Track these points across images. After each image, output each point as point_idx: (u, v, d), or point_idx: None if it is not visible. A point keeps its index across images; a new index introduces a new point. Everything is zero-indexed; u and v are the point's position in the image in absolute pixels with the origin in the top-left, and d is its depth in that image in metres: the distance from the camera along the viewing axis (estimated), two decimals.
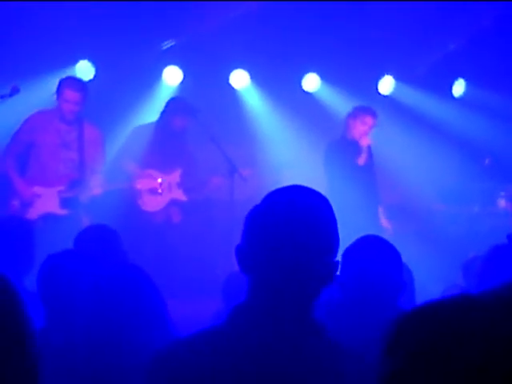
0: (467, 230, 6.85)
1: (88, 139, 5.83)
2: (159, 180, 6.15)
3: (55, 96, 5.75)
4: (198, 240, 6.60)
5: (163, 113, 6.35)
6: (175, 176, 6.33)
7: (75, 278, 2.77)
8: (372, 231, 5.41)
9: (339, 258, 1.71)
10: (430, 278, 4.17)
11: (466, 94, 7.84)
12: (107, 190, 5.91)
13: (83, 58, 6.98)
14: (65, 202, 5.75)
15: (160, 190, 6.16)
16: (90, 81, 7.01)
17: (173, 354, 1.64)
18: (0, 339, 1.13)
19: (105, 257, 3.53)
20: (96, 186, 5.82)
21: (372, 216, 6.15)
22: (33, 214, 5.66)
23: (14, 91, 5.43)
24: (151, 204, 6.24)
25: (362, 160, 6.21)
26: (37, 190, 5.71)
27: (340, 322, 1.97)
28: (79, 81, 5.89)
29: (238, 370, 1.56)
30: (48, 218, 5.67)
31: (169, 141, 6.32)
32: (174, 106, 6.35)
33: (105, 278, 2.56)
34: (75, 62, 6.97)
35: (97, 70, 7.03)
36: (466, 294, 0.93)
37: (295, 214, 1.61)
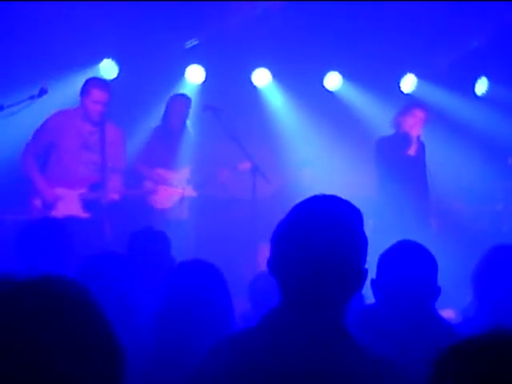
0: (490, 228, 6.81)
1: (110, 140, 5.79)
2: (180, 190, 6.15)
3: (80, 96, 5.71)
4: (222, 239, 6.63)
5: (167, 109, 6.37)
6: (185, 173, 6.36)
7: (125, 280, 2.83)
8: (420, 230, 5.48)
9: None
10: (453, 277, 4.16)
11: (488, 92, 7.79)
12: (125, 194, 5.91)
13: (107, 56, 7.04)
14: (87, 205, 5.70)
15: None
16: (114, 79, 7.08)
17: (215, 354, 1.71)
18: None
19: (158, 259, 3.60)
20: (115, 187, 5.79)
21: (422, 213, 6.17)
22: (56, 215, 5.61)
23: (43, 92, 5.46)
24: (162, 202, 6.26)
25: (412, 150, 6.24)
26: (58, 191, 5.66)
27: (376, 327, 1.99)
28: (106, 81, 5.89)
29: (270, 371, 1.60)
30: (71, 220, 5.67)
31: (174, 138, 6.33)
32: (177, 99, 6.38)
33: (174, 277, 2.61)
34: (99, 60, 7.02)
35: (120, 69, 7.08)
36: (502, 330, 0.95)
37: (321, 224, 1.65)
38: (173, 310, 2.52)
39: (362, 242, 1.68)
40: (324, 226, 1.65)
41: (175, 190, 6.23)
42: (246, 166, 6.27)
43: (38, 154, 5.74)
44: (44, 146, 5.72)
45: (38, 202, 5.66)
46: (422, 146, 6.39)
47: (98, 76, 6.18)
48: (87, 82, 5.73)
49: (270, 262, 1.71)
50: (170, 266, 3.34)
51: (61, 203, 5.66)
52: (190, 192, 6.34)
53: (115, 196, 5.79)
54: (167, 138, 6.32)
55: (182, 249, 5.46)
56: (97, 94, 5.65)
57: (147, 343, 2.52)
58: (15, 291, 1.09)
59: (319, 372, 1.59)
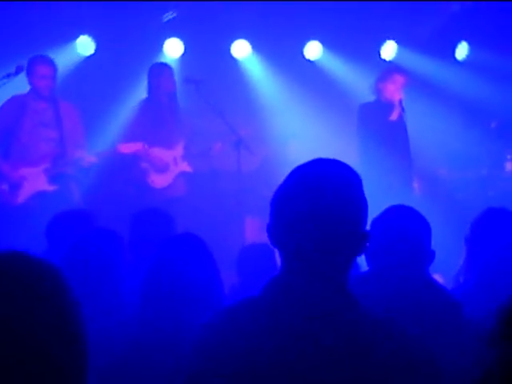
0: (475, 193, 6.84)
1: (65, 116, 5.86)
2: (141, 144, 6.06)
3: (26, 76, 5.73)
4: (206, 213, 6.61)
5: (149, 83, 6.27)
6: (179, 149, 6.31)
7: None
8: (405, 194, 5.49)
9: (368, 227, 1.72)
10: (440, 242, 4.17)
11: (469, 56, 7.77)
12: (99, 157, 5.91)
13: (83, 33, 6.94)
14: (52, 179, 5.77)
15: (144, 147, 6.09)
16: (91, 56, 6.98)
17: (215, 327, 1.66)
18: (54, 334, 1.13)
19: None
20: (84, 157, 5.82)
21: (405, 177, 6.20)
22: (23, 195, 5.69)
23: (19, 70, 5.53)
24: (159, 181, 6.24)
25: (395, 115, 6.24)
26: (22, 171, 5.72)
27: (371, 294, 1.97)
28: (48, 57, 5.88)
29: (278, 343, 1.58)
30: (39, 196, 5.70)
31: (162, 111, 6.26)
32: (156, 69, 6.28)
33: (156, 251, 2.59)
34: (76, 37, 6.93)
35: (97, 45, 6.99)
36: None
37: (322, 187, 1.62)
38: (158, 285, 2.50)
39: (363, 204, 1.67)
40: (325, 188, 1.62)
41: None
42: (218, 146, 6.28)
43: None
44: (2, 133, 5.77)
45: (5, 187, 5.72)
46: (402, 111, 6.38)
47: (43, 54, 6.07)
48: (30, 60, 5.77)
49: (271, 228, 1.66)
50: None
51: (26, 182, 5.72)
52: (185, 167, 6.31)
53: (92, 159, 5.82)
54: (155, 112, 6.25)
55: (186, 225, 5.45)
56: (41, 69, 5.72)
57: (133, 318, 2.50)
58: None
59: (328, 341, 1.57)
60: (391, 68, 6.51)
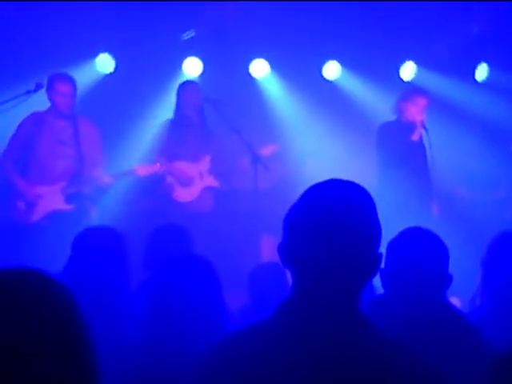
0: (493, 215, 6.77)
1: (84, 134, 5.86)
2: (158, 165, 6.05)
3: (46, 94, 5.77)
4: (224, 230, 6.58)
5: (177, 100, 6.32)
6: (205, 163, 6.32)
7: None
8: (423, 215, 5.43)
9: (383, 249, 1.69)
10: (457, 264, 4.13)
11: (489, 78, 7.73)
12: (116, 179, 5.91)
13: (103, 51, 6.99)
14: (69, 198, 5.77)
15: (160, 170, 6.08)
16: (111, 73, 7.04)
17: (223, 351, 1.64)
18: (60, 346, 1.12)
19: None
20: (101, 177, 5.83)
21: (424, 198, 6.14)
22: (38, 213, 5.69)
23: (39, 87, 5.57)
24: (184, 195, 6.24)
25: (417, 135, 6.20)
26: (39, 189, 5.73)
27: (387, 318, 1.93)
28: (68, 74, 5.89)
29: (289, 366, 1.55)
30: (55, 215, 5.70)
31: (192, 127, 6.29)
32: (183, 86, 6.33)
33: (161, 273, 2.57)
34: (95, 55, 6.98)
35: (117, 63, 7.04)
36: None
37: (335, 209, 1.61)
38: (159, 310, 2.47)
39: (376, 226, 1.65)
40: (338, 210, 1.61)
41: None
42: (269, 150, 6.27)
43: (15, 159, 5.83)
44: (20, 149, 5.80)
45: (21, 204, 5.73)
46: (425, 132, 6.34)
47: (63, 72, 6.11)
48: (49, 78, 5.80)
49: (282, 248, 1.65)
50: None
51: (42, 200, 5.72)
52: (211, 182, 6.31)
53: (108, 180, 5.82)
54: (182, 126, 6.28)
55: (203, 242, 5.44)
56: (60, 87, 5.74)
57: (135, 343, 2.47)
58: None
59: (341, 363, 1.54)
60: (414, 89, 6.47)
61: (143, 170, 5.93)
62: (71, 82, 5.80)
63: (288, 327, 1.59)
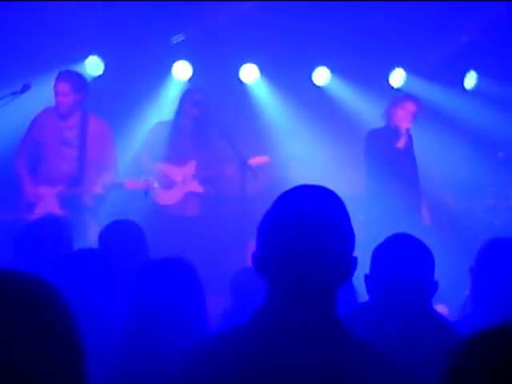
0: (482, 223, 6.78)
1: (93, 134, 5.74)
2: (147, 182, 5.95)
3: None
4: (209, 235, 6.57)
5: (178, 107, 6.33)
6: (190, 168, 6.30)
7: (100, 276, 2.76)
8: (411, 222, 5.44)
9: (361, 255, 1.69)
10: (446, 272, 4.12)
11: (477, 86, 7.77)
12: (109, 188, 5.80)
13: (92, 53, 6.96)
14: (64, 202, 5.65)
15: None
16: (100, 76, 7.00)
17: (198, 355, 1.64)
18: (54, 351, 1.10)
19: (130, 254, 3.51)
20: (98, 182, 5.70)
21: (412, 204, 6.15)
22: (36, 215, 5.56)
23: (25, 88, 5.47)
24: (165, 198, 6.22)
25: (401, 143, 6.22)
26: (41, 190, 5.67)
27: (370, 325, 1.93)
28: (67, 71, 5.79)
29: (263, 370, 1.56)
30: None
31: (185, 133, 6.28)
32: (185, 93, 6.35)
33: (139, 274, 2.54)
34: (84, 57, 6.95)
35: (106, 66, 7.01)
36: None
37: (306, 216, 1.62)
38: (140, 314, 2.45)
39: (348, 230, 1.66)
40: (310, 215, 1.62)
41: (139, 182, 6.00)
42: (258, 160, 6.26)
43: (26, 152, 5.77)
44: (31, 144, 5.75)
45: (23, 203, 5.69)
46: (410, 139, 6.37)
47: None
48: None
49: (256, 257, 1.67)
50: (143, 260, 3.26)
51: (41, 202, 5.65)
52: (196, 188, 6.29)
53: (97, 189, 5.69)
54: (174, 134, 6.26)
55: (187, 246, 5.40)
56: (57, 86, 5.66)
57: (116, 347, 2.45)
58: None
59: (316, 369, 1.55)
60: (404, 95, 6.51)
61: (132, 185, 5.84)
62: (68, 80, 5.65)
63: (263, 332, 1.61)
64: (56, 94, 5.66)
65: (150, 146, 6.32)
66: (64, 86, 5.64)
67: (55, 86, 5.66)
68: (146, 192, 5.76)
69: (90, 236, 5.52)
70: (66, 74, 5.73)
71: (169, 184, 6.22)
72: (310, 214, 1.62)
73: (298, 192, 1.68)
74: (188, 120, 6.28)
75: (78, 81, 5.70)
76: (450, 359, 0.92)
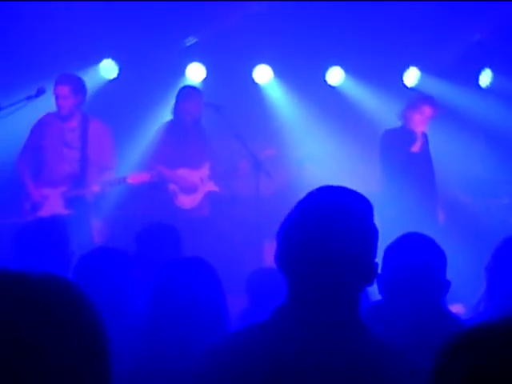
0: (497, 222, 6.74)
1: (93, 136, 5.81)
2: (149, 174, 5.97)
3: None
4: (224, 235, 6.58)
5: (175, 104, 6.30)
6: (205, 169, 6.32)
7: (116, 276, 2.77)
8: (427, 222, 5.42)
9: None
10: (462, 271, 4.10)
11: (492, 84, 7.71)
12: (106, 188, 5.83)
13: (107, 56, 6.99)
14: (69, 202, 5.73)
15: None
16: (114, 79, 7.04)
17: (217, 352, 1.65)
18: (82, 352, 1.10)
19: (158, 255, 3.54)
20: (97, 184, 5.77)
21: (428, 205, 6.11)
22: (41, 216, 5.64)
23: (40, 92, 5.53)
24: (188, 202, 6.23)
25: (416, 147, 6.18)
26: (45, 191, 5.73)
27: (382, 325, 1.92)
28: (67, 75, 5.84)
29: (282, 369, 1.56)
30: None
31: (187, 133, 6.27)
32: (183, 92, 6.31)
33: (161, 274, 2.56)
34: (99, 61, 6.98)
35: (120, 69, 7.04)
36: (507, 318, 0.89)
37: (330, 216, 1.61)
38: (162, 311, 2.46)
39: (372, 234, 1.65)
40: (334, 218, 1.61)
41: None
42: (268, 152, 6.26)
43: (28, 159, 5.84)
44: (32, 150, 5.82)
45: (27, 205, 5.74)
46: (425, 140, 6.33)
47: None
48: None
49: (278, 257, 1.66)
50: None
51: (46, 203, 5.71)
52: (212, 187, 6.30)
53: (96, 188, 5.75)
54: (180, 134, 6.26)
55: (202, 246, 5.42)
56: (57, 89, 5.70)
57: (138, 344, 2.46)
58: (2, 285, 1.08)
59: (337, 368, 1.54)
60: (421, 97, 6.40)
61: (134, 179, 5.87)
62: (68, 83, 5.70)
63: (282, 330, 1.60)
64: (56, 97, 5.72)
65: (158, 147, 6.31)
66: (64, 89, 5.70)
67: (55, 89, 5.71)
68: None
69: (93, 234, 5.59)
70: (66, 77, 5.80)
71: (190, 188, 6.22)
72: (335, 215, 1.61)
73: (323, 192, 1.67)
74: (186, 118, 6.24)
75: (78, 84, 5.77)
76: (436, 357, 0.90)
